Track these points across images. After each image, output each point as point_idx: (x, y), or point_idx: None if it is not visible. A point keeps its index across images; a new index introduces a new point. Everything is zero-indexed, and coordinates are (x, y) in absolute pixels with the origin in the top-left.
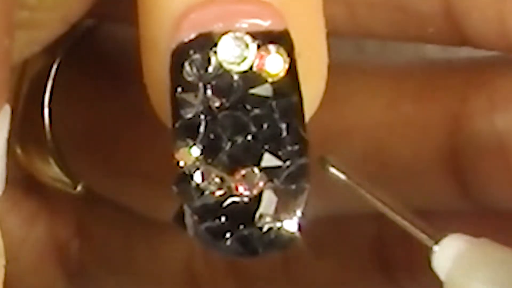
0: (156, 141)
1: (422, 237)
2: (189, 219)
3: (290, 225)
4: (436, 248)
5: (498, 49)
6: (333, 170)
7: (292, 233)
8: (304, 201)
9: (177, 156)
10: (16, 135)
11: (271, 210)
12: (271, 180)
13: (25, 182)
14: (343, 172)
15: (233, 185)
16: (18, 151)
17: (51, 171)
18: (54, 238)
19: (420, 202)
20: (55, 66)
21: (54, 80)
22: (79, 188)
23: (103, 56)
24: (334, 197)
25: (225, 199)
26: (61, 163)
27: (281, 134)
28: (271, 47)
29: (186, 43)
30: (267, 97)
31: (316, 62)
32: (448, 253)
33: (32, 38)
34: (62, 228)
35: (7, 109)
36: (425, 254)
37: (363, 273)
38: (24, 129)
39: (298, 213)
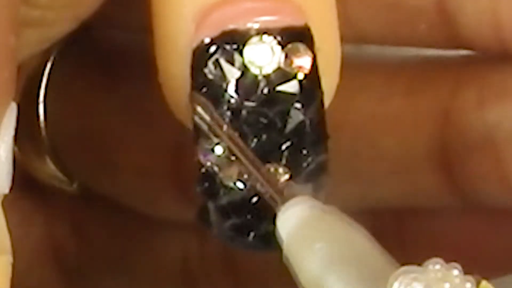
0: (149, 136)
1: (272, 196)
2: (213, 217)
3: None
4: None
5: (491, 46)
6: (199, 109)
7: None
8: (323, 196)
9: (200, 155)
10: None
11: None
12: (290, 177)
13: (21, 180)
14: (210, 115)
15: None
16: (14, 148)
17: (47, 169)
18: (51, 237)
19: (409, 197)
20: (49, 64)
21: (48, 77)
22: (74, 185)
23: (98, 53)
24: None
25: (251, 197)
26: (56, 160)
27: (305, 130)
28: (296, 45)
29: (209, 41)
30: (293, 94)
31: (333, 56)
32: (291, 217)
33: (43, 37)
34: (59, 228)
35: (13, 107)
36: (421, 250)
37: None
38: (20, 126)
39: None
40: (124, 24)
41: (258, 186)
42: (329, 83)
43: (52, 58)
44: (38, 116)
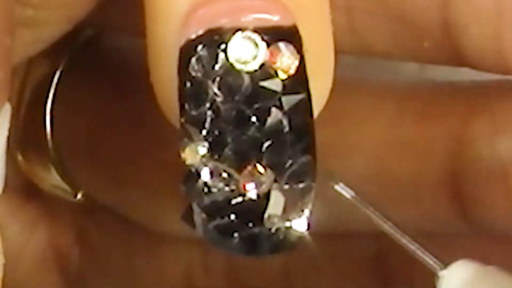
0: (158, 150)
1: (428, 261)
2: (198, 218)
3: (299, 224)
4: (443, 273)
5: (493, 68)
6: (341, 185)
7: (301, 233)
8: (311, 200)
9: (183, 154)
10: (17, 141)
11: (279, 210)
12: (276, 179)
13: (25, 188)
14: (351, 189)
15: (240, 183)
16: (19, 157)
17: (51, 178)
18: (54, 245)
19: (419, 224)
20: (57, 74)
21: (56, 87)
22: (79, 196)
23: (105, 64)
24: (336, 214)
25: (234, 197)
26: (61, 170)
27: (283, 130)
28: (282, 45)
29: (194, 39)
30: (275, 92)
31: (324, 59)
32: (456, 280)
33: (36, 37)
34: (62, 236)
35: (7, 107)
36: (426, 273)
37: None
38: (26, 136)
39: (306, 212)
40: (133, 33)
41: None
42: (319, 85)
43: (60, 68)
44: (44, 126)
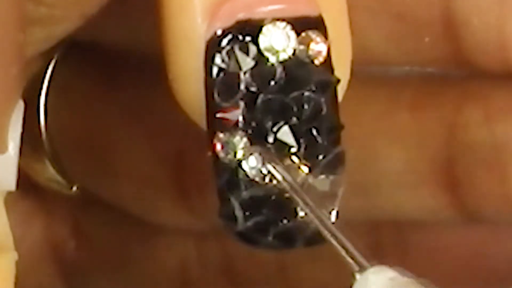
0: (151, 142)
1: (349, 260)
2: (239, 213)
3: (329, 218)
4: (358, 276)
5: (494, 65)
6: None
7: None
8: (341, 192)
9: (218, 147)
10: None
11: (313, 203)
12: (310, 170)
13: (21, 182)
14: (282, 176)
15: (279, 176)
16: None
17: (46, 172)
18: (50, 238)
19: (412, 212)
20: (51, 67)
21: (50, 81)
22: (74, 189)
23: (100, 57)
24: None
25: (274, 192)
26: (56, 163)
27: (321, 114)
28: (312, 32)
29: (221, 32)
30: (309, 80)
31: (345, 49)
32: (369, 285)
33: (49, 34)
34: (58, 228)
35: (21, 104)
36: (420, 264)
37: None
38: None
39: (336, 204)
40: (128, 29)
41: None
42: (341, 76)
43: (53, 61)
44: (39, 120)
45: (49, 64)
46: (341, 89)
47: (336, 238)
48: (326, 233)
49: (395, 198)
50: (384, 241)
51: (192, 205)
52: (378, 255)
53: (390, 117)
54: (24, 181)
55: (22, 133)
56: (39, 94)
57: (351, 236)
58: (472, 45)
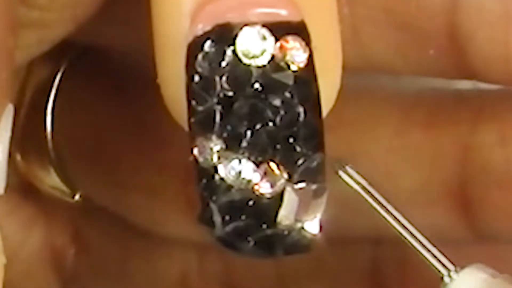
0: (159, 152)
1: (435, 264)
2: (217, 218)
3: (311, 226)
4: (451, 278)
5: (499, 78)
6: (343, 175)
7: (314, 234)
8: (324, 201)
9: (196, 151)
10: (17, 142)
11: (293, 211)
12: (289, 177)
13: (22, 187)
14: (356, 182)
15: (255, 181)
16: (18, 157)
17: (50, 180)
18: (50, 245)
19: (425, 231)
20: (59, 75)
21: (57, 88)
22: (77, 197)
23: (107, 65)
24: (337, 217)
25: (251, 197)
26: (61, 172)
27: (297, 122)
28: (291, 38)
29: (201, 35)
30: (287, 85)
31: (332, 57)
32: (467, 285)
33: (42, 38)
34: (59, 235)
35: (10, 108)
36: (421, 279)
37: None
38: (26, 136)
39: (319, 214)
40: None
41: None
42: (328, 84)
43: (62, 69)
44: (45, 127)
45: (57, 72)
46: (327, 97)
47: (418, 241)
48: (408, 237)
49: (408, 218)
50: (387, 256)
51: None
52: (381, 270)
53: (403, 136)
54: (26, 187)
55: (11, 137)
56: (46, 102)
57: None
58: (477, 58)
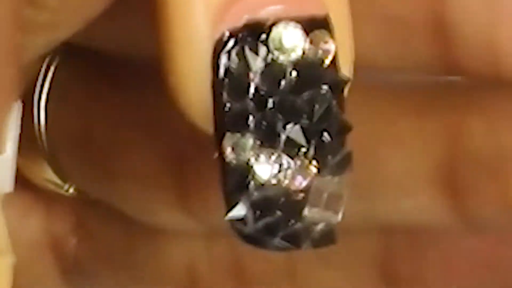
0: (153, 146)
1: None
2: (249, 215)
3: (336, 219)
4: None
5: (484, 70)
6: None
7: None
8: (347, 192)
9: (228, 150)
10: None
11: (320, 204)
12: (318, 171)
13: (19, 176)
14: None
15: (290, 177)
16: None
17: (44, 172)
18: (51, 233)
19: (412, 217)
20: (52, 69)
21: (50, 82)
22: (71, 190)
23: (98, 58)
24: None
25: (285, 192)
26: (54, 164)
27: (332, 114)
28: (321, 32)
29: (229, 34)
30: (320, 79)
31: (349, 50)
32: None
33: (51, 39)
34: (59, 224)
35: (19, 105)
36: (431, 269)
37: (369, 287)
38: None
39: (343, 206)
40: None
41: None
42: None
43: (54, 63)
44: (38, 121)
45: (50, 65)
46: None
47: None
48: None
49: (397, 203)
50: (397, 247)
51: (192, 208)
52: (392, 260)
53: (393, 123)
54: (23, 175)
55: (20, 134)
56: (39, 95)
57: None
58: (462, 50)
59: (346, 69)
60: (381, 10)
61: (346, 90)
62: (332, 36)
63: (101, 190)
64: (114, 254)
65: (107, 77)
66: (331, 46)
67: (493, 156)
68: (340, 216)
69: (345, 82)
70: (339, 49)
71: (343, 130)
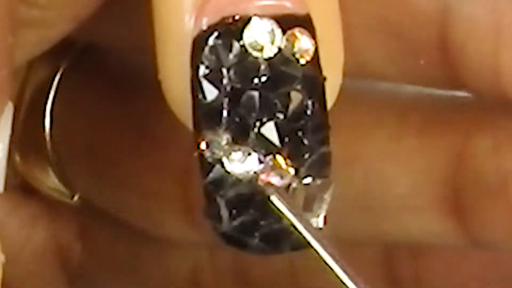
0: (157, 154)
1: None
2: (224, 212)
3: (317, 221)
4: None
5: (488, 90)
6: (274, 199)
7: (320, 229)
8: (330, 196)
9: (203, 145)
10: (16, 142)
11: (299, 205)
12: (296, 171)
13: (24, 185)
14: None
15: (261, 174)
16: (17, 158)
17: (49, 180)
18: (56, 242)
19: (416, 235)
20: (58, 76)
21: (57, 89)
22: (75, 198)
23: (106, 66)
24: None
25: (258, 190)
26: (60, 172)
27: (306, 112)
28: (298, 30)
29: (207, 28)
30: (294, 77)
31: (336, 51)
32: None
33: (42, 37)
34: (63, 231)
35: (10, 106)
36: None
37: None
38: (25, 137)
39: (324, 208)
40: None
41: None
42: (332, 77)
43: (61, 70)
44: (44, 128)
45: (56, 72)
46: (331, 91)
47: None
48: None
49: (401, 221)
50: (400, 251)
51: (196, 220)
52: (394, 264)
53: (398, 141)
54: (27, 185)
55: (11, 135)
56: (45, 103)
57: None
58: (467, 69)
59: (332, 70)
60: (392, 27)
61: (330, 92)
62: (312, 35)
63: (106, 199)
64: (118, 262)
65: (114, 87)
66: (308, 44)
67: (497, 176)
68: (321, 220)
69: (321, 81)
70: (324, 49)
71: (320, 129)
